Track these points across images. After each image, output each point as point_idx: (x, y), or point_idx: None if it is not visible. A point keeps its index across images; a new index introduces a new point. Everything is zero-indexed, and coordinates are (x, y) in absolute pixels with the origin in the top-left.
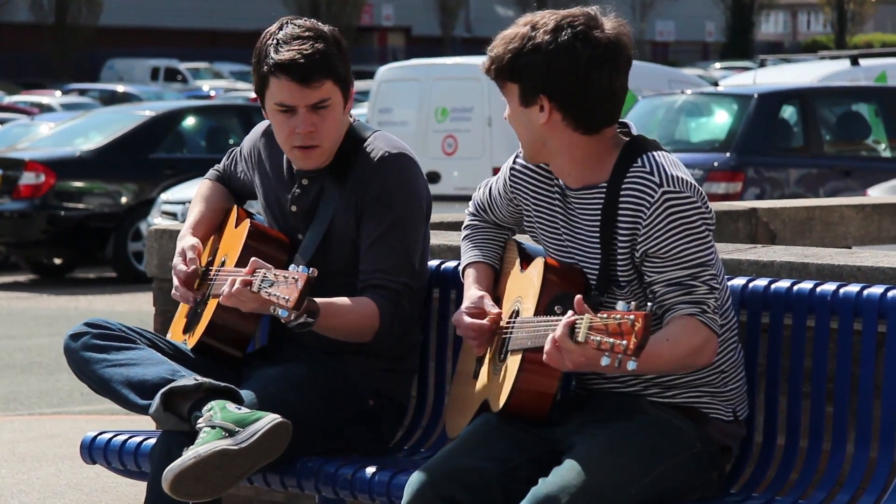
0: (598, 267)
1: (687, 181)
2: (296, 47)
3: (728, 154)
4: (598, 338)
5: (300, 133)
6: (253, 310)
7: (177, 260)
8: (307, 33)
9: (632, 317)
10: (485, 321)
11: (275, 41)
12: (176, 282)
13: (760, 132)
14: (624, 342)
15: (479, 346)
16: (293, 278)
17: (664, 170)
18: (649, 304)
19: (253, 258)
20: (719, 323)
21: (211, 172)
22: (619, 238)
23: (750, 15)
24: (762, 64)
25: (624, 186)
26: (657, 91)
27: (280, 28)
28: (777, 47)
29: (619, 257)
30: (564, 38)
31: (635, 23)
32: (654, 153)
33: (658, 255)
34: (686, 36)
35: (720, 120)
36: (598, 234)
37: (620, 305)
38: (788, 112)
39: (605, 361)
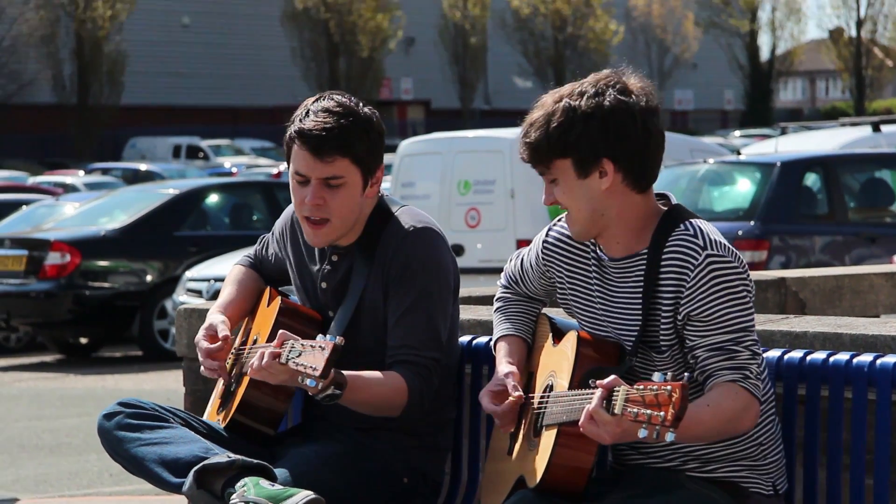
0: (636, 332)
1: (729, 247)
2: (320, 119)
3: (752, 222)
4: (635, 409)
5: (308, 204)
6: (282, 382)
7: (200, 335)
8: (338, 108)
9: (668, 387)
10: (504, 405)
11: (306, 110)
12: (200, 357)
13: (784, 200)
14: (661, 413)
15: (504, 427)
16: (320, 347)
17: (707, 235)
18: (686, 374)
19: (281, 331)
20: (761, 390)
21: (243, 259)
22: (662, 301)
23: (768, 82)
24: (783, 131)
25: (667, 249)
26: (679, 160)
27: (318, 99)
28: (796, 114)
29: (661, 321)
30: (612, 97)
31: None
32: (696, 220)
33: (700, 318)
34: (705, 104)
35: (743, 188)
36: (639, 300)
37: (657, 376)
38: (812, 179)
39: (642, 433)
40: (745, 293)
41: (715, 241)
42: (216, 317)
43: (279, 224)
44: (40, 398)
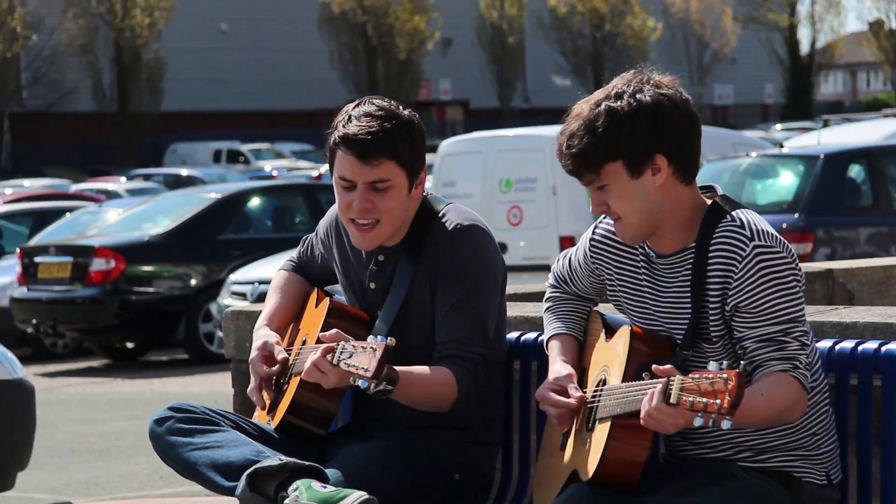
0: (686, 324)
1: (777, 237)
2: (364, 124)
3: (797, 215)
4: (691, 398)
5: (355, 209)
6: (334, 384)
7: (255, 355)
8: (379, 112)
9: (724, 375)
10: (570, 399)
11: (347, 116)
12: (253, 379)
13: (828, 192)
14: (717, 401)
15: (561, 424)
16: (371, 348)
17: (754, 225)
18: (742, 362)
19: (334, 330)
20: (810, 380)
21: (286, 263)
22: (710, 293)
23: (809, 75)
24: (826, 124)
25: (714, 240)
26: (722, 155)
27: (358, 105)
28: (837, 107)
29: (710, 312)
30: (651, 93)
31: (693, 87)
32: (742, 210)
33: (748, 308)
34: (745, 99)
35: (787, 181)
36: (688, 293)
37: (712, 365)
38: (856, 171)
39: (698, 422)
40: (794, 283)
41: (762, 231)
42: (269, 335)
43: (323, 224)
44: (89, 402)
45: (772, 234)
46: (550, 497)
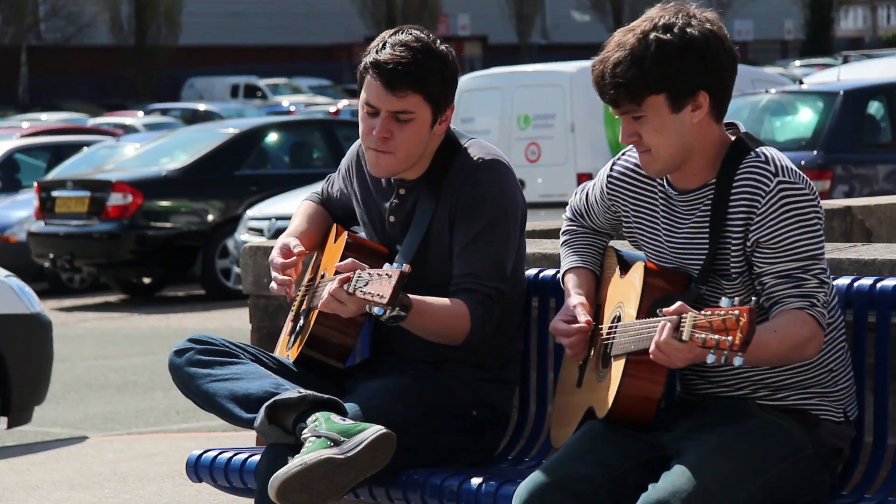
0: (703, 259)
1: (800, 174)
2: (397, 52)
3: (815, 152)
4: (703, 335)
5: (374, 136)
6: (352, 312)
7: (274, 253)
8: (415, 44)
9: (736, 312)
10: (573, 330)
11: (383, 42)
12: (273, 272)
13: (847, 129)
14: (729, 338)
15: (575, 354)
16: (387, 275)
17: (779, 161)
18: (753, 298)
19: (350, 259)
20: (827, 319)
21: (312, 195)
22: (732, 228)
23: (829, 11)
24: (845, 60)
25: (738, 176)
26: (741, 91)
27: (396, 32)
28: (857, 43)
29: (732, 248)
30: (700, 27)
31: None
32: (766, 147)
33: (770, 244)
34: (765, 34)
35: (806, 118)
36: (706, 228)
37: (724, 302)
38: (875, 108)
39: (710, 359)
40: (815, 221)
41: (787, 167)
42: (288, 238)
43: (345, 161)
44: (105, 338)
45: (795, 171)
46: (567, 434)
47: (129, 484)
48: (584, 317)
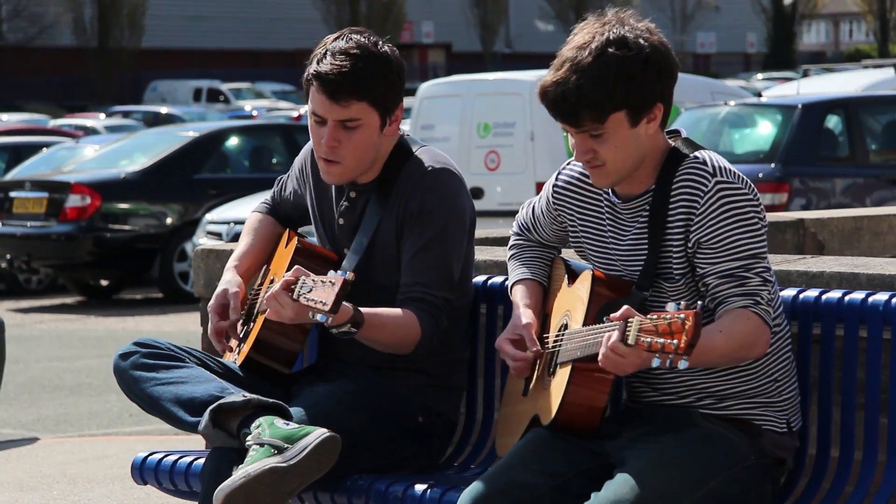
0: (643, 262)
1: (738, 174)
2: (337, 62)
3: (773, 165)
4: (649, 339)
5: (323, 145)
6: (292, 318)
7: (212, 302)
8: (355, 50)
9: (682, 315)
10: (526, 353)
11: (324, 50)
12: (210, 326)
13: (805, 142)
14: (675, 341)
15: (519, 375)
16: (330, 282)
17: (716, 162)
18: (700, 302)
19: (296, 266)
20: (772, 316)
21: (260, 206)
22: (673, 230)
23: (791, 25)
24: (805, 74)
25: (677, 178)
26: (700, 103)
27: (337, 39)
28: (819, 57)
29: (674, 250)
30: (652, 41)
31: (676, 35)
32: (705, 150)
33: (710, 244)
34: (727, 47)
35: (764, 131)
36: (646, 233)
37: (670, 306)
38: (833, 122)
39: (656, 362)
40: (755, 219)
41: (724, 168)
42: (232, 282)
43: (298, 161)
44: (61, 339)
45: (733, 172)
46: (512, 443)
47: (78, 486)
48: (534, 346)
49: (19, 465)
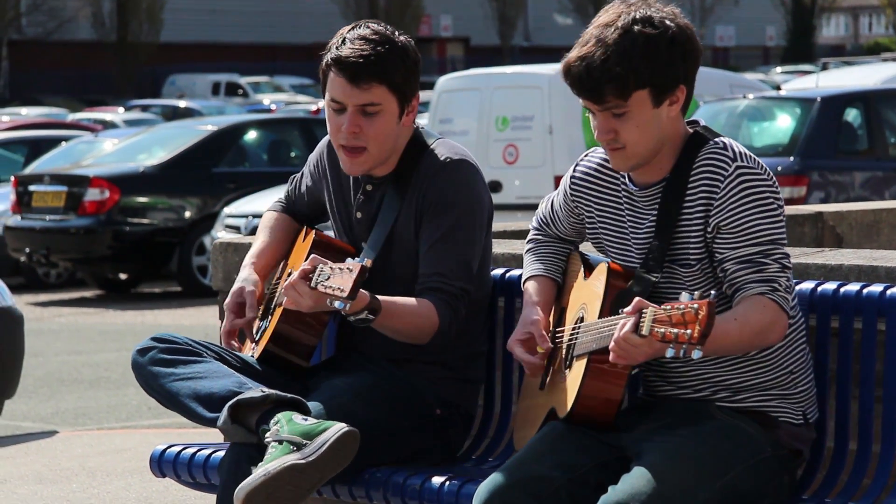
0: (649, 248)
1: (758, 160)
2: (356, 46)
3: (792, 158)
4: (663, 329)
5: (344, 132)
6: (311, 307)
7: (229, 300)
8: (374, 36)
9: (695, 305)
10: (535, 358)
11: (342, 38)
12: (225, 324)
13: (824, 135)
14: (688, 331)
15: (533, 374)
16: (348, 269)
17: (737, 148)
18: (713, 292)
19: (313, 255)
20: (790, 304)
21: (275, 204)
22: (691, 214)
23: (811, 18)
24: (824, 67)
25: (697, 163)
26: (719, 96)
27: (353, 28)
28: (839, 50)
29: (692, 235)
30: (678, 22)
31: (695, 28)
32: (724, 138)
33: (729, 229)
34: (746, 41)
35: (783, 124)
36: (665, 217)
37: (684, 296)
38: (852, 115)
39: (669, 353)
40: (774, 205)
41: (744, 153)
42: (248, 279)
43: (314, 156)
44: (80, 333)
45: (753, 158)
46: (530, 435)
47: (97, 479)
48: (544, 342)
49: (38, 458)
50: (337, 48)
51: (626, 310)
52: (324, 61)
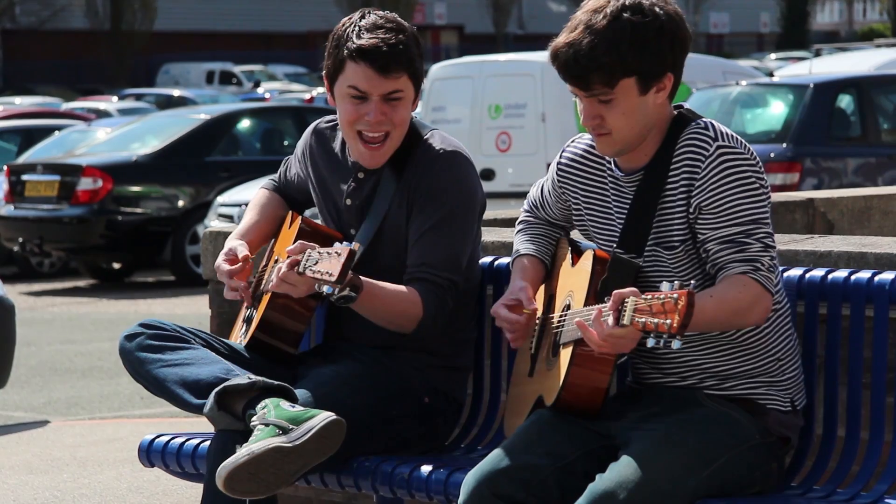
0: (630, 231)
1: (740, 140)
2: (380, 36)
3: (784, 145)
4: (643, 319)
5: (369, 121)
6: (303, 293)
7: (220, 259)
8: (390, 24)
9: (675, 295)
10: (520, 316)
11: (357, 28)
12: (222, 279)
13: (817, 122)
14: (668, 321)
15: (515, 340)
16: (336, 253)
17: (718, 128)
18: (692, 281)
19: (300, 241)
20: (774, 283)
21: (267, 182)
22: (674, 195)
23: (805, 4)
24: (817, 53)
25: (679, 144)
26: (711, 83)
27: (362, 17)
28: (833, 36)
29: (675, 216)
30: (667, 9)
31: (689, 15)
32: (706, 119)
33: (711, 209)
34: (741, 27)
35: (776, 111)
36: (648, 201)
37: (665, 286)
38: (845, 101)
39: (651, 343)
40: (757, 185)
41: (726, 133)
42: (234, 241)
43: (301, 144)
44: (73, 322)
45: (735, 138)
46: (518, 423)
47: (88, 469)
48: (531, 305)
49: (29, 447)
50: (356, 38)
51: (607, 305)
52: (342, 51)
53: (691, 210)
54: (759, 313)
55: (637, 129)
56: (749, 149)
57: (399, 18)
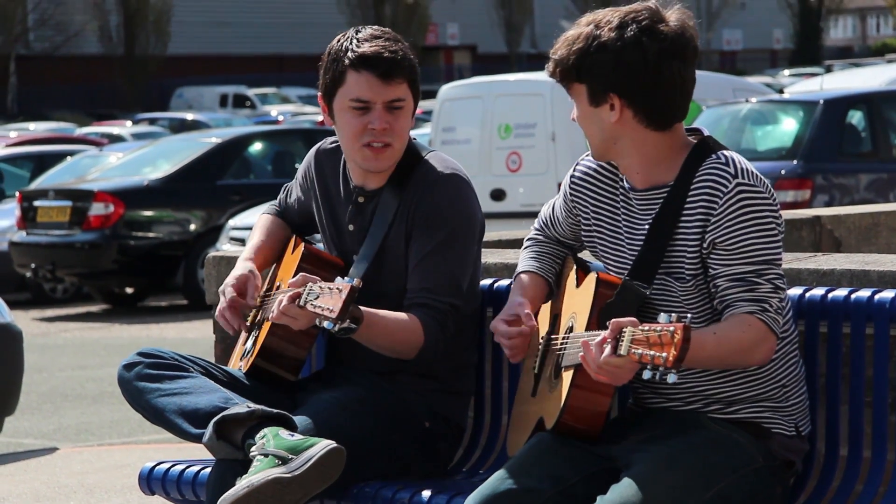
0: (639, 257)
1: (760, 178)
2: (379, 44)
3: (795, 161)
4: (640, 350)
5: (374, 129)
6: (303, 326)
7: (229, 281)
8: (387, 34)
9: (671, 328)
10: (517, 329)
11: (354, 40)
12: (222, 303)
13: (827, 138)
14: (664, 354)
15: (514, 356)
16: (337, 289)
17: (739, 163)
18: (689, 315)
19: (301, 274)
20: (781, 325)
21: (269, 207)
22: (689, 228)
23: (818, 20)
24: (829, 69)
25: (697, 177)
26: (722, 100)
27: (357, 31)
28: (846, 52)
29: (688, 249)
30: (630, 34)
31: (702, 32)
32: (728, 151)
33: (725, 246)
34: (754, 44)
35: (786, 127)
36: (660, 226)
37: (662, 317)
38: (856, 117)
39: (646, 375)
40: (773, 225)
41: (746, 170)
42: (246, 265)
43: (303, 168)
44: (85, 348)
45: (755, 175)
46: (521, 442)
47: (95, 496)
48: (529, 321)
49: (37, 475)
50: (356, 47)
51: (605, 334)
52: (342, 62)
53: (705, 245)
54: (763, 354)
55: (596, 139)
56: (768, 186)
57: (393, 32)
